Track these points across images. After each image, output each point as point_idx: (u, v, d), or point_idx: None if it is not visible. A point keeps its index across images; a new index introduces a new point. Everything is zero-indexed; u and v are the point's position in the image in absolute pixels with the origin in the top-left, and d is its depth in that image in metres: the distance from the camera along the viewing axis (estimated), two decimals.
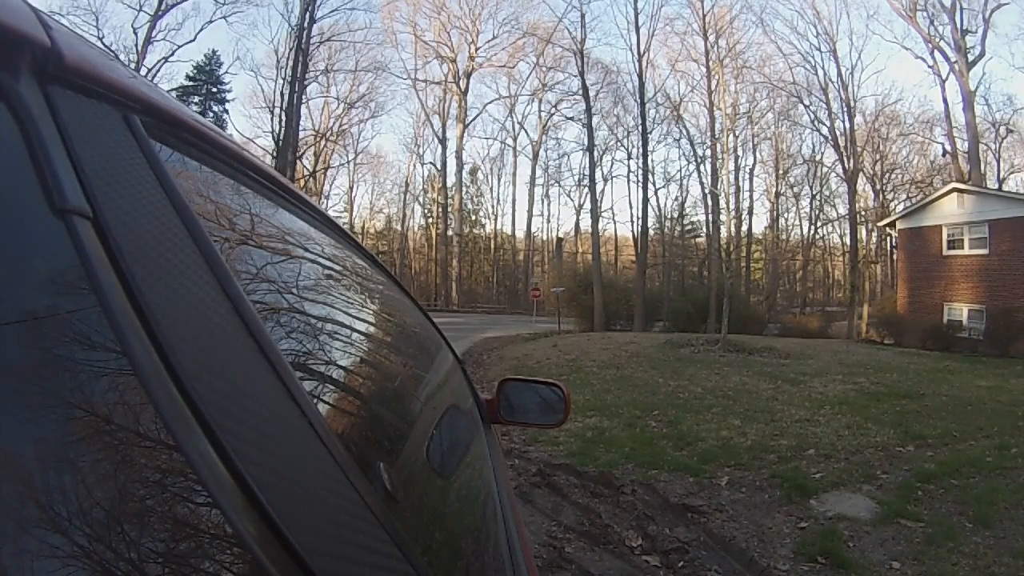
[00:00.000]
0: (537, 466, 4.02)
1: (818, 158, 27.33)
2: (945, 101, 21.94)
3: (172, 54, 21.96)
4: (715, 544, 3.04)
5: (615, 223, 32.79)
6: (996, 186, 21.25)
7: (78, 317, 0.27)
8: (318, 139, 27.88)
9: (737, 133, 26.21)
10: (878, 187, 25.40)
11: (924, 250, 14.25)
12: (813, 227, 29.35)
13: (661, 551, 2.94)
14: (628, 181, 38.71)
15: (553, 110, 31.22)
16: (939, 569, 2.75)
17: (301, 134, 25.78)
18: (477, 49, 30.01)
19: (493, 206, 35.18)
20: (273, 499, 0.29)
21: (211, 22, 22.56)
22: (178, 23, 22.08)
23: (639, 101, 24.09)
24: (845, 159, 23.79)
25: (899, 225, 15.28)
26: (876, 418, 5.67)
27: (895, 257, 19.09)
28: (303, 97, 24.93)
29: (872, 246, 26.02)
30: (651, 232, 26.38)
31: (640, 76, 23.92)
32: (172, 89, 21.80)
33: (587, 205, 28.40)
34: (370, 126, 42.42)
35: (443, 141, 31.52)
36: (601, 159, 28.30)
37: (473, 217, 34.38)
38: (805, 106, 25.21)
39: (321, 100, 28.05)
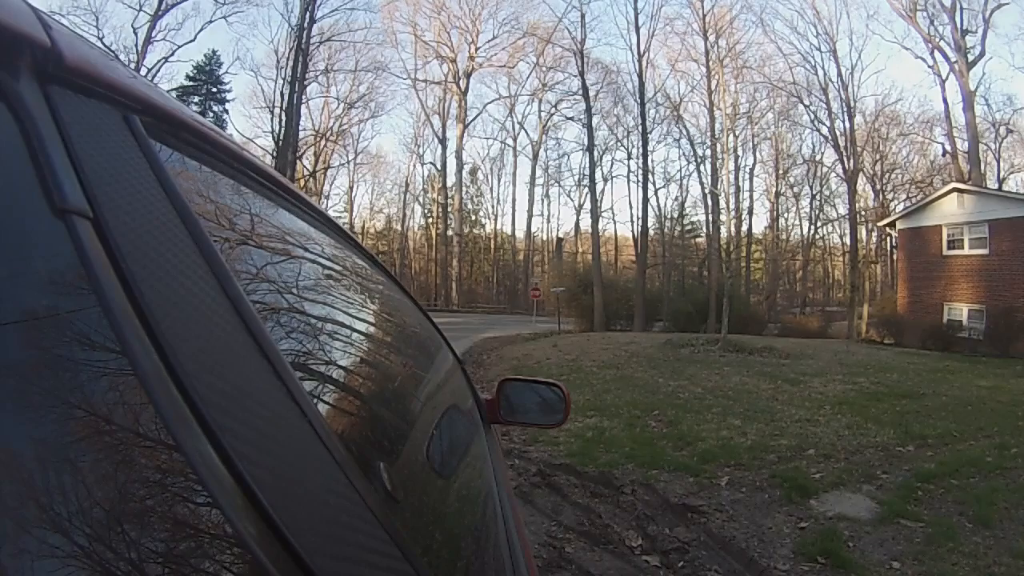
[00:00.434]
0: (537, 466, 4.02)
1: (818, 158, 27.35)
2: (945, 101, 21.97)
3: (172, 54, 21.98)
4: (715, 544, 3.04)
5: (615, 223, 32.80)
6: (996, 186, 21.24)
7: (78, 317, 0.27)
8: (318, 139, 27.88)
9: (737, 133, 26.22)
10: (878, 187, 25.41)
11: (924, 250, 14.25)
12: (813, 227, 29.38)
13: (661, 551, 2.94)
14: (628, 181, 38.73)
15: (553, 110, 31.22)
16: (939, 569, 2.75)
17: (301, 134, 25.80)
18: (477, 49, 30.01)
19: (493, 206, 35.21)
20: (273, 499, 0.29)
21: (211, 22, 22.57)
22: (178, 23, 22.05)
23: (639, 101, 24.11)
24: (845, 159, 23.80)
25: (899, 225, 15.28)
26: (876, 418, 5.67)
27: (895, 257, 19.09)
28: (303, 97, 24.95)
29: (872, 246, 26.02)
30: (651, 232, 26.38)
31: (640, 76, 23.95)
32: (172, 89, 21.80)
33: (587, 205, 28.42)
34: (370, 126, 42.38)
35: (443, 141, 31.53)
36: (601, 159, 28.33)
37: (473, 217, 34.37)
38: (805, 106, 25.24)
39: (321, 100, 28.07)
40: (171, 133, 0.41)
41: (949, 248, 13.67)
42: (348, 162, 30.88)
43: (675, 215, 29.76)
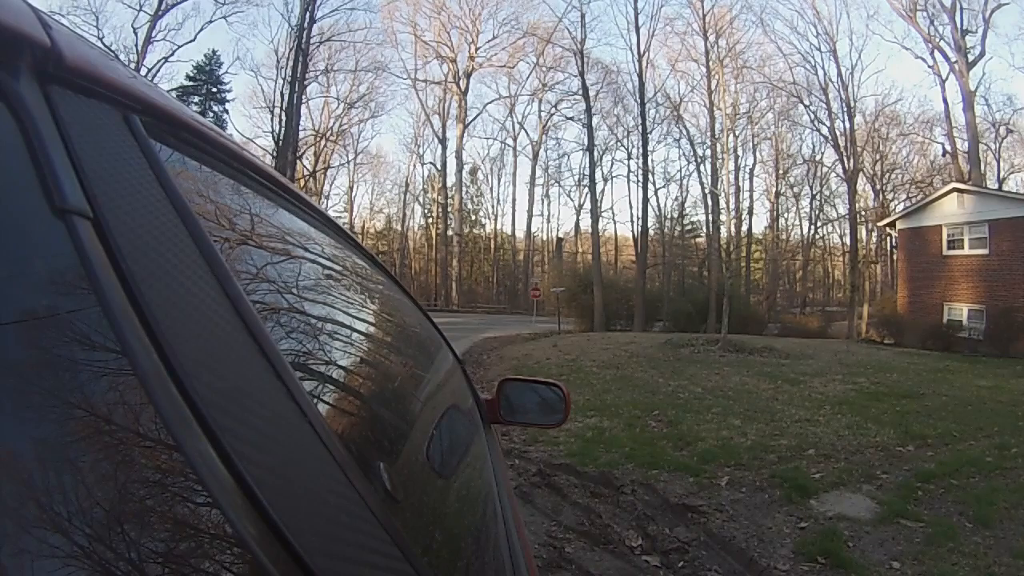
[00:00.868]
0: (537, 466, 4.02)
1: (818, 158, 27.35)
2: (945, 101, 21.97)
3: (172, 54, 21.98)
4: (715, 544, 3.04)
5: (615, 223, 32.76)
6: (996, 186, 21.23)
7: (78, 317, 0.27)
8: (318, 139, 27.89)
9: (737, 133, 26.23)
10: (878, 187, 25.39)
11: (924, 250, 14.25)
12: (813, 227, 29.37)
13: (661, 551, 2.94)
14: (628, 181, 38.73)
15: (553, 110, 31.22)
16: (939, 569, 2.75)
17: (301, 134, 25.81)
18: (477, 49, 30.02)
19: (493, 206, 35.20)
20: (273, 499, 0.29)
21: (211, 22, 22.58)
22: (178, 23, 22.08)
23: (639, 101, 24.13)
24: (845, 159, 23.80)
25: (899, 225, 15.27)
26: (876, 418, 5.67)
27: (895, 257, 19.08)
28: (303, 97, 24.96)
29: (872, 246, 26.01)
30: (651, 232, 26.39)
31: (640, 76, 23.97)
32: (172, 89, 21.79)
33: (587, 205, 28.43)
34: (370, 126, 42.40)
35: (443, 141, 31.54)
36: (601, 159, 28.33)
37: (473, 217, 34.37)
38: (805, 106, 25.24)
39: (321, 100, 28.08)
40: (171, 133, 0.41)
41: (949, 248, 13.67)
42: (348, 162, 30.94)
43: (675, 215, 29.79)
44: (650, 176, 25.41)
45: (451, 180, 31.84)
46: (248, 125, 44.25)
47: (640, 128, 24.37)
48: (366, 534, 0.39)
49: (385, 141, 59.31)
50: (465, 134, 30.96)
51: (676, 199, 30.30)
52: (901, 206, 21.03)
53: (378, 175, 35.43)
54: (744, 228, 27.29)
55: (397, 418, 0.72)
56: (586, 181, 27.73)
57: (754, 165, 28.71)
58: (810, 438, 4.95)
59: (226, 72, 25.74)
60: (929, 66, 22.00)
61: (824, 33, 24.18)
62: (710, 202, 24.81)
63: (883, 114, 24.76)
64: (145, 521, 0.26)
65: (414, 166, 33.17)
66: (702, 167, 26.59)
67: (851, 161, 23.40)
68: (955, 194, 13.61)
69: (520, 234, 35.22)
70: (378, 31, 30.34)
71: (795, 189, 29.23)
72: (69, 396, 0.26)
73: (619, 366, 8.73)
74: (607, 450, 4.45)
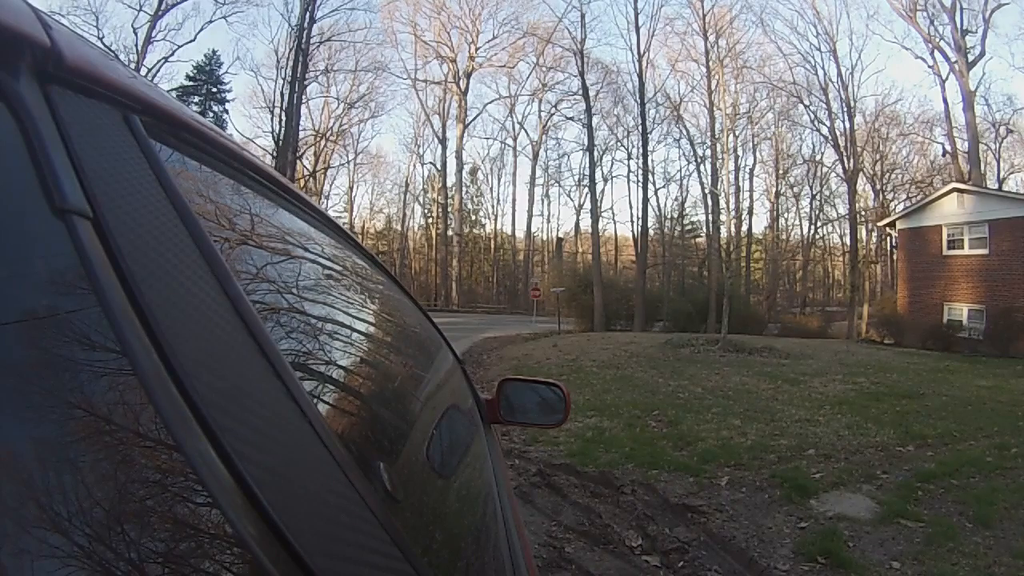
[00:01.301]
0: (537, 466, 4.02)
1: (818, 158, 27.34)
2: (945, 101, 21.97)
3: (172, 54, 21.98)
4: (715, 544, 3.04)
5: (615, 223, 32.73)
6: (996, 186, 21.23)
7: (78, 317, 0.27)
8: (318, 139, 27.88)
9: (737, 133, 26.22)
10: (878, 187, 25.38)
11: (924, 250, 14.25)
12: (813, 227, 29.36)
13: (661, 551, 2.94)
14: (628, 181, 38.72)
15: (553, 110, 31.22)
16: (939, 569, 2.75)
17: (301, 134, 25.79)
18: (477, 49, 30.01)
19: (493, 206, 35.19)
20: (273, 499, 0.29)
21: (211, 22, 22.58)
22: (178, 23, 22.06)
23: (639, 101, 24.13)
24: (845, 159, 23.80)
25: (899, 225, 15.28)
26: (876, 418, 5.66)
27: (895, 257, 19.08)
28: (303, 97, 24.95)
29: (872, 246, 26.00)
30: (651, 232, 26.39)
31: (640, 76, 23.97)
32: (172, 89, 21.79)
33: (587, 205, 28.43)
34: (370, 126, 42.39)
35: (443, 141, 31.53)
36: (601, 159, 28.32)
37: (473, 217, 34.37)
38: (805, 106, 25.24)
39: (321, 100, 28.07)
40: (171, 133, 0.41)
41: (949, 248, 13.68)
42: (348, 162, 30.92)
43: (675, 215, 29.79)
44: (650, 176, 25.44)
45: (451, 180, 31.88)
46: (248, 125, 44.31)
47: (640, 128, 24.39)
48: (366, 534, 0.39)
49: (385, 141, 59.40)
50: (465, 134, 30.97)
51: (676, 199, 30.36)
52: (901, 206, 21.04)
53: (378, 175, 35.48)
54: (744, 228, 27.32)
55: (397, 418, 0.72)
56: (586, 181, 27.77)
57: (754, 165, 28.75)
58: (810, 438, 4.94)
59: (226, 72, 25.76)
60: (929, 66, 22.03)
61: (824, 33, 24.21)
62: (710, 202, 24.84)
63: (883, 114, 24.78)
64: (145, 521, 0.26)
65: (414, 166, 33.20)
66: (702, 167, 26.62)
67: (851, 161, 23.40)
68: (955, 194, 13.61)
69: (520, 234, 35.28)
70: (378, 31, 30.44)
71: (795, 189, 29.27)
72: (69, 396, 0.26)
73: (619, 366, 8.73)
74: (607, 450, 4.45)
